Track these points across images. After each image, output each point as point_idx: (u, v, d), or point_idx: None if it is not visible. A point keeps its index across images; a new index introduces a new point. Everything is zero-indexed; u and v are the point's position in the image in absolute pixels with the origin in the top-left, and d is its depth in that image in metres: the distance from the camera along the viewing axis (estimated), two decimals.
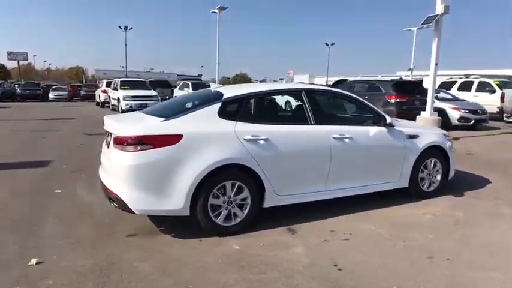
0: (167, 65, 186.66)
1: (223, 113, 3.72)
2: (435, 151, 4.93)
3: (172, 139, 3.40)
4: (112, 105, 19.42)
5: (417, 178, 4.81)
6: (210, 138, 3.55)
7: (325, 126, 4.16)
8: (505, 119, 14.38)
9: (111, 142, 3.62)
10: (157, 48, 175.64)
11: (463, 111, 12.31)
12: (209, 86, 20.30)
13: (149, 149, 3.34)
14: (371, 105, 4.68)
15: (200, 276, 2.89)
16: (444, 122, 10.85)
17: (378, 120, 4.54)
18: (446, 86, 16.91)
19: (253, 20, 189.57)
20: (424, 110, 10.60)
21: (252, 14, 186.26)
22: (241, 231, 3.66)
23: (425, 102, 10.59)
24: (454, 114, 12.26)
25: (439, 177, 5.02)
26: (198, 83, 21.51)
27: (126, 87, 18.48)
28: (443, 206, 4.64)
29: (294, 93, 4.43)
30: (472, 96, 15.53)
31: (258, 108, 4.19)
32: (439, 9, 9.92)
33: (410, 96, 11.78)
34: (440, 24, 10.01)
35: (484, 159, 7.64)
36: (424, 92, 11.26)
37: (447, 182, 5.16)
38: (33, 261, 3.03)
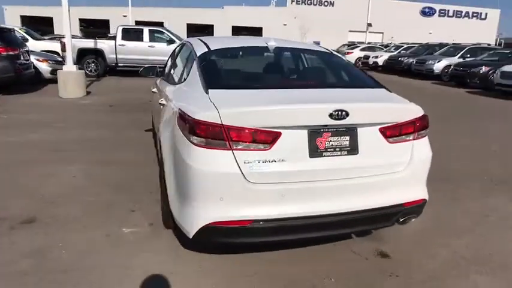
0: None
1: None
2: None
3: None
4: None
5: None
6: None
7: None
8: None
9: (382, 135, 2.44)
10: None
11: (51, 62, 11.55)
12: None
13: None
14: None
15: None
16: (38, 76, 10.71)
17: None
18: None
19: None
20: None
21: None
22: None
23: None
24: (45, 67, 11.38)
25: None
26: None
27: None
28: None
29: None
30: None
31: None
32: None
33: (20, 49, 9.91)
34: None
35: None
36: None
37: None
38: None
